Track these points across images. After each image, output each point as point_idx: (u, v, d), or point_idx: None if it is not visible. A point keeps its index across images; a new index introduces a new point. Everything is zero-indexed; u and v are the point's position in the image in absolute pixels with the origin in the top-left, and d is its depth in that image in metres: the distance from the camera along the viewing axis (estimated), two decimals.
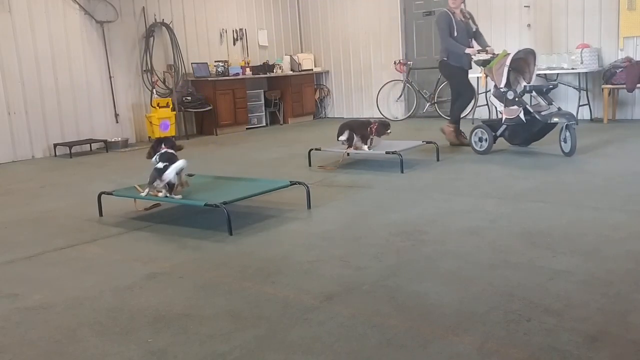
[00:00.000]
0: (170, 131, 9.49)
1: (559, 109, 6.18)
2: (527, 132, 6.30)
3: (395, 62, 10.95)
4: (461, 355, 2.24)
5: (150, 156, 4.61)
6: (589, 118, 8.95)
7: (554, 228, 3.76)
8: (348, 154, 6.40)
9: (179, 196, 4.43)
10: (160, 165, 4.37)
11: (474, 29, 7.16)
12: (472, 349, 2.28)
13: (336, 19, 11.82)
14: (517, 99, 6.14)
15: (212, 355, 2.35)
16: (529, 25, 9.38)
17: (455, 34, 6.95)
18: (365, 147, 6.27)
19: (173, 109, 9.69)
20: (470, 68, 7.20)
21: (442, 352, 2.27)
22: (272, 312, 2.72)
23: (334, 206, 4.71)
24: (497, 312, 2.57)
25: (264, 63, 11.33)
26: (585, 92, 8.77)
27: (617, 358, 2.16)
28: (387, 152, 6.04)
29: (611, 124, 8.39)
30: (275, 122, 11.62)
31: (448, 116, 10.42)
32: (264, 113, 11.38)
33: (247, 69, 10.93)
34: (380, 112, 10.93)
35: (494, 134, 6.45)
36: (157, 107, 9.53)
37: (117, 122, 9.54)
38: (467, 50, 6.89)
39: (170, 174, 4.30)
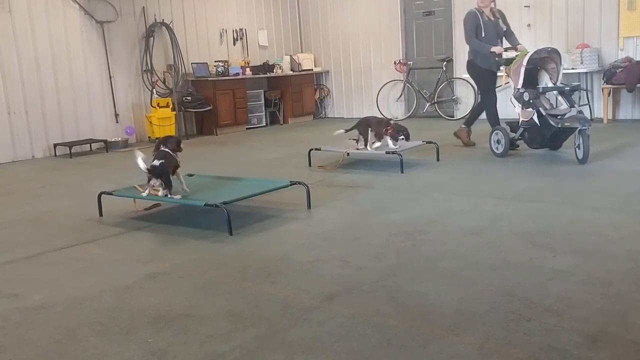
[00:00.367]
0: (171, 130, 9.51)
1: (580, 112, 5.88)
2: (543, 135, 5.97)
3: (395, 62, 10.96)
4: (461, 355, 2.24)
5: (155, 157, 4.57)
6: (589, 118, 8.94)
7: (554, 228, 3.76)
8: (348, 154, 6.40)
9: (178, 196, 4.43)
10: (156, 162, 4.37)
11: (504, 29, 6.84)
12: (472, 349, 2.28)
13: (336, 19, 11.82)
14: (531, 101, 5.88)
15: (212, 355, 2.35)
16: (529, 25, 9.38)
17: (483, 34, 6.68)
18: (377, 144, 6.18)
19: (173, 109, 9.69)
20: (498, 69, 6.81)
21: (442, 352, 2.27)
22: (272, 312, 2.72)
23: (334, 206, 4.71)
24: (497, 312, 2.57)
25: (264, 63, 11.34)
26: (585, 92, 8.77)
27: (617, 358, 2.16)
28: (387, 152, 6.04)
29: (611, 124, 8.39)
30: (275, 122, 11.62)
31: (448, 116, 10.53)
32: (264, 113, 11.38)
33: (247, 69, 10.92)
34: (380, 112, 10.93)
35: (512, 136, 6.23)
36: (157, 107, 9.54)
37: (117, 122, 9.54)
38: (493, 49, 6.56)
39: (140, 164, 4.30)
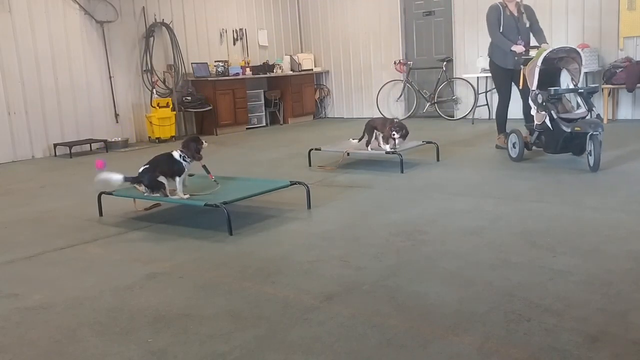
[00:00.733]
0: (171, 131, 9.51)
1: (598, 115, 5.65)
2: (556, 140, 5.63)
3: (395, 62, 10.96)
4: (461, 355, 2.24)
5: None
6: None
7: (554, 228, 3.76)
8: (348, 154, 6.40)
9: (187, 195, 4.43)
10: (140, 169, 4.42)
11: (527, 25, 6.46)
12: (472, 349, 2.28)
13: (336, 19, 11.82)
14: (544, 103, 5.61)
15: (212, 355, 2.35)
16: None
17: (502, 29, 6.36)
18: (387, 147, 6.07)
19: (173, 109, 9.69)
20: (516, 68, 6.27)
21: (442, 352, 2.27)
22: (272, 312, 2.72)
23: (334, 206, 4.71)
24: (497, 312, 2.57)
25: (264, 63, 11.34)
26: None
27: (617, 358, 2.16)
28: (387, 152, 6.04)
29: (611, 124, 8.39)
30: (275, 122, 11.62)
31: (448, 116, 10.53)
32: (264, 113, 11.37)
33: (247, 69, 10.92)
34: (380, 112, 10.93)
35: (526, 140, 5.95)
36: (157, 107, 9.54)
37: (117, 122, 9.54)
38: (514, 47, 6.22)
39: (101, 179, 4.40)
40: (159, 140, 9.48)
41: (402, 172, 5.78)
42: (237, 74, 10.64)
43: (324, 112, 12.40)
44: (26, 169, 7.66)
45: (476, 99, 9.90)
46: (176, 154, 4.49)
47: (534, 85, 5.71)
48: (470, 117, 9.96)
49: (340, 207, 4.68)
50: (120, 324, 2.70)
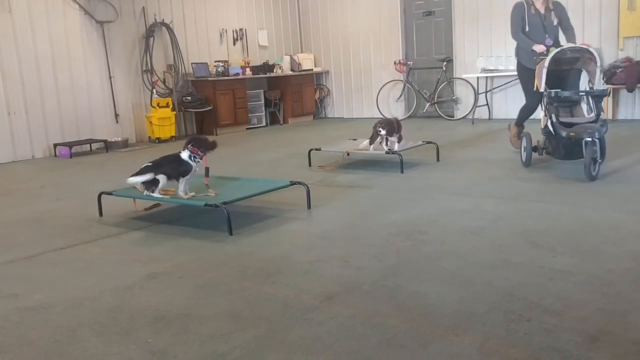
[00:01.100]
0: (171, 131, 9.51)
1: (604, 122, 5.28)
2: (558, 145, 5.37)
3: (395, 62, 10.96)
4: (461, 355, 2.24)
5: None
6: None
7: (554, 228, 3.76)
8: (348, 154, 6.40)
9: (193, 193, 4.43)
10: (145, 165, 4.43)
11: (555, 23, 6.12)
12: (472, 349, 2.28)
13: (336, 19, 11.83)
14: (547, 106, 5.42)
15: (212, 355, 2.35)
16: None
17: (527, 28, 6.05)
18: (395, 146, 6.08)
19: (173, 109, 9.69)
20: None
21: (442, 352, 2.27)
22: (272, 312, 2.72)
23: (334, 206, 4.71)
24: (497, 312, 2.57)
25: (264, 63, 11.34)
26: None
27: (617, 358, 2.16)
28: (387, 152, 6.04)
29: (611, 124, 8.36)
30: (275, 122, 11.62)
31: (448, 116, 10.53)
32: (264, 113, 11.38)
33: (247, 69, 10.93)
34: (381, 112, 10.94)
35: (534, 144, 5.69)
36: (157, 107, 9.54)
37: (117, 122, 9.54)
38: (534, 47, 5.91)
39: (131, 181, 4.37)
40: (159, 141, 9.48)
41: (402, 172, 5.78)
42: (237, 74, 10.64)
43: (324, 112, 12.40)
44: (26, 169, 7.66)
45: (476, 99, 9.90)
46: (185, 155, 4.43)
47: (541, 87, 5.51)
48: (470, 117, 9.96)
49: (340, 207, 4.68)
50: (120, 324, 2.70)
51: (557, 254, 3.28)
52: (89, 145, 8.97)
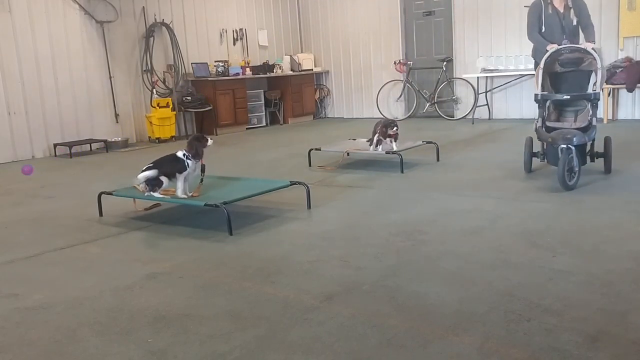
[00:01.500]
0: (171, 131, 9.50)
1: (593, 128, 4.98)
2: (549, 150, 5.15)
3: (395, 62, 10.96)
4: (461, 355, 2.24)
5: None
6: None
7: (554, 228, 3.76)
8: (348, 154, 6.40)
9: (187, 195, 4.44)
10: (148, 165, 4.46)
11: (575, 22, 5.83)
12: (472, 349, 2.28)
13: (336, 19, 11.82)
14: (538, 110, 5.19)
15: (212, 355, 2.35)
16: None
17: (544, 28, 5.75)
18: (394, 146, 6.12)
19: (173, 109, 9.69)
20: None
21: (442, 352, 2.27)
22: (272, 312, 2.72)
23: (334, 206, 4.71)
24: (497, 312, 2.57)
25: (264, 63, 11.34)
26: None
27: (617, 358, 2.16)
28: (387, 152, 6.05)
29: (611, 124, 8.39)
30: (275, 122, 11.62)
31: (448, 116, 10.53)
32: (264, 113, 11.38)
33: (247, 69, 10.93)
34: (381, 112, 10.94)
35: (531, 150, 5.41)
36: (157, 107, 9.54)
37: (117, 122, 9.54)
38: (548, 47, 5.47)
39: (141, 178, 4.39)
40: (159, 140, 9.48)
41: (402, 172, 5.78)
42: (237, 74, 10.64)
43: (324, 112, 12.40)
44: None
45: (476, 99, 9.90)
46: (180, 154, 4.54)
47: (537, 89, 5.28)
48: (470, 117, 9.96)
49: (340, 207, 4.68)
50: (120, 324, 2.70)
51: (557, 254, 3.28)
52: (89, 145, 8.97)
